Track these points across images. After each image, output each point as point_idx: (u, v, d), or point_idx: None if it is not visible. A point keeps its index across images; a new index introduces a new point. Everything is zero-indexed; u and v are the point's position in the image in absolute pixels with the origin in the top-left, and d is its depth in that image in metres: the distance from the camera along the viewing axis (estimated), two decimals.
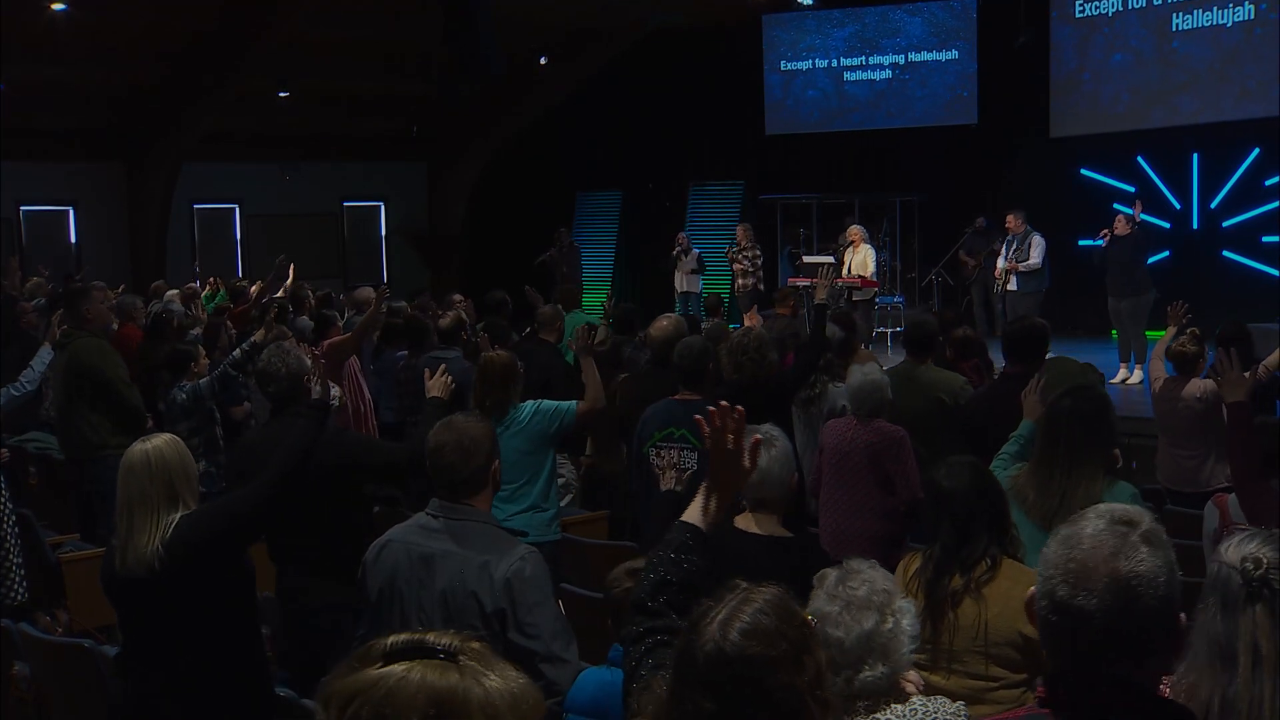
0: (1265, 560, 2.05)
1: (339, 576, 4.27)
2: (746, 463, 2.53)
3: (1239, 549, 2.10)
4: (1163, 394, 6.62)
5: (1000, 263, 12.08)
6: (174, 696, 3.58)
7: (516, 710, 1.40)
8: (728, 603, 1.94)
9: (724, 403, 2.53)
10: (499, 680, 1.41)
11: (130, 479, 3.54)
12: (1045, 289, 11.85)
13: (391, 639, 1.43)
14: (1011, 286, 11.83)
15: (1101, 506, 1.86)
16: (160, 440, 3.61)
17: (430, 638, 1.43)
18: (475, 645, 1.44)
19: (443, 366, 4.82)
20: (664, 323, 6.64)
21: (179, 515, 3.54)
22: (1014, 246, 11.87)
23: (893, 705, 2.58)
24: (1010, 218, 12.02)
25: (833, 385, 6.61)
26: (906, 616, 2.65)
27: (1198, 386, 6.40)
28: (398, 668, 1.38)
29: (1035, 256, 11.70)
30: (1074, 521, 1.83)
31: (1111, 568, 1.75)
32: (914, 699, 2.60)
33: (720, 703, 1.86)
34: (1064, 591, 1.76)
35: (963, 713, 2.61)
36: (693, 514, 2.53)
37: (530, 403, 5.35)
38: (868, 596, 2.62)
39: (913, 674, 2.70)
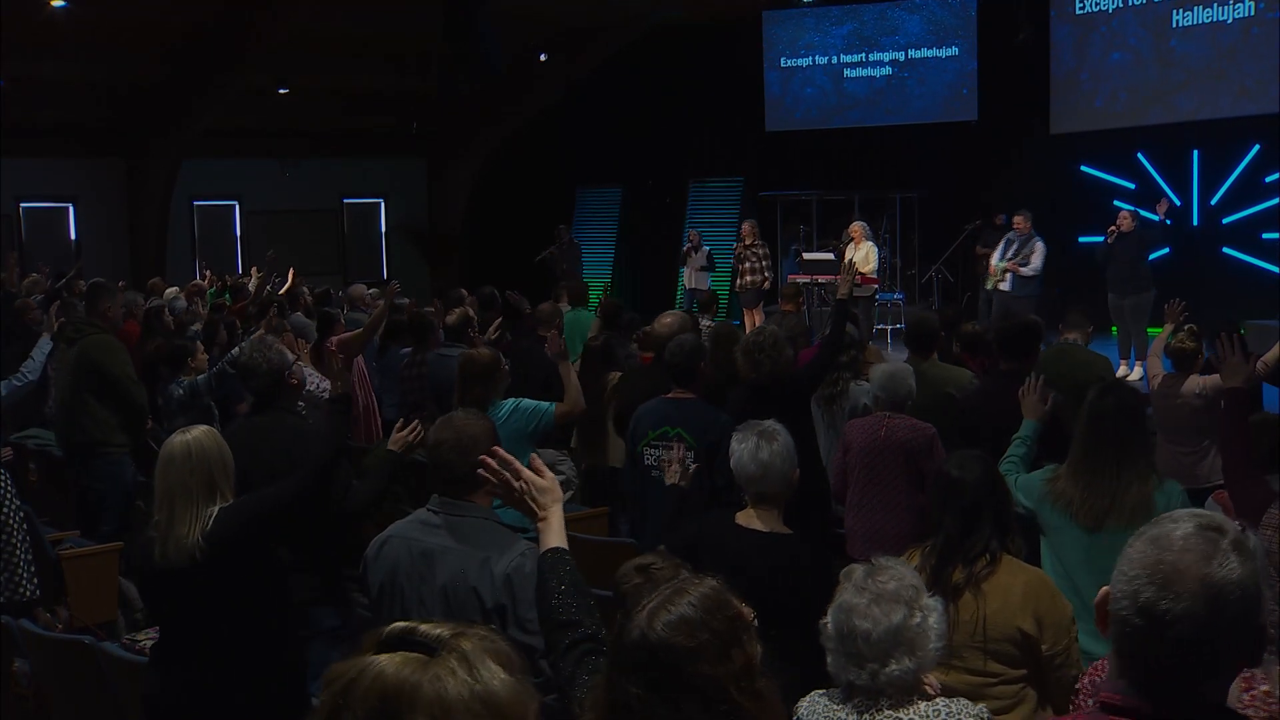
0: None
1: (313, 571, 4.28)
2: (547, 481, 2.72)
3: None
4: (1161, 390, 6.62)
5: (996, 259, 12.03)
6: (209, 688, 3.61)
7: (473, 712, 1.36)
8: (662, 593, 2.03)
9: (498, 453, 2.78)
10: (466, 680, 1.37)
11: (170, 470, 3.55)
12: (1038, 294, 11.76)
13: (390, 627, 1.45)
14: (1005, 286, 11.79)
15: (1182, 511, 1.79)
16: (199, 431, 3.63)
17: (421, 628, 1.44)
18: (467, 643, 1.41)
19: (415, 421, 4.65)
20: (669, 319, 6.47)
21: (218, 507, 3.56)
22: (1014, 246, 11.83)
23: (917, 703, 2.55)
24: (1018, 219, 11.97)
25: (854, 383, 6.43)
26: (934, 614, 2.61)
27: (1196, 383, 6.40)
28: (368, 659, 1.40)
29: (1036, 262, 11.66)
30: (1160, 523, 1.76)
31: (1204, 573, 1.67)
32: (938, 700, 2.58)
33: (644, 688, 1.95)
34: (1150, 593, 1.68)
35: (985, 715, 2.59)
36: (547, 542, 2.70)
37: (510, 401, 5.34)
38: (897, 590, 2.60)
39: (931, 677, 2.67)
